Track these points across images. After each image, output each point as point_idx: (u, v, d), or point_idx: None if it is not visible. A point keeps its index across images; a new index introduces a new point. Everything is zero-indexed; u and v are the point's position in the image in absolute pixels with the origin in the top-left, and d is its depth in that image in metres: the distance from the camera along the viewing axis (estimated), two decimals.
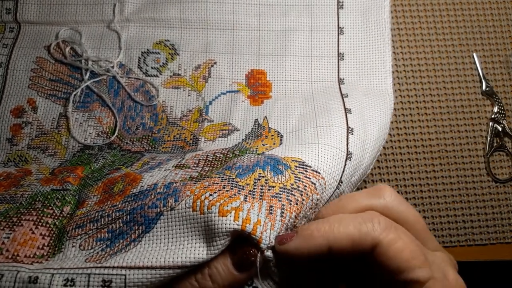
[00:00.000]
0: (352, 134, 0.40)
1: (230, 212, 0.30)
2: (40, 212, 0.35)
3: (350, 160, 0.38)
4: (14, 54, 0.49)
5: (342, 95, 0.47)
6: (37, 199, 0.36)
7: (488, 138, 0.51)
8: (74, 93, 0.48)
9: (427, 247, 0.28)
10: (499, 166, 0.51)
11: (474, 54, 0.54)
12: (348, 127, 0.41)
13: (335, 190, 0.36)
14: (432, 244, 0.29)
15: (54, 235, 0.34)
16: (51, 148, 0.47)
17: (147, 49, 0.50)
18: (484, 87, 0.53)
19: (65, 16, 0.51)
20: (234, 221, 0.29)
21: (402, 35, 0.54)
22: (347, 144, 0.39)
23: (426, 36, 0.54)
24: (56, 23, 0.51)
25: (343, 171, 0.37)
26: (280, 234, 0.30)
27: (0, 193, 0.38)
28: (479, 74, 0.53)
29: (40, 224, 0.34)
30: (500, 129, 0.52)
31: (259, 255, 0.29)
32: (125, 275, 0.28)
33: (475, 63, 0.54)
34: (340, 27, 0.51)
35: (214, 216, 0.30)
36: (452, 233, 0.49)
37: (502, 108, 0.52)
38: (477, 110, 0.52)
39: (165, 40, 0.51)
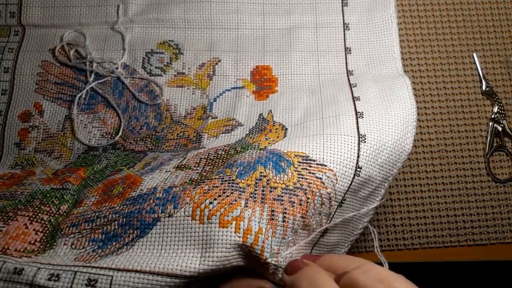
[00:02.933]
0: (362, 117, 0.39)
1: (231, 223, 0.29)
2: (37, 208, 0.35)
3: (364, 142, 0.36)
4: (20, 59, 0.49)
5: (350, 85, 0.46)
6: (36, 197, 0.36)
7: (488, 138, 0.51)
8: (79, 95, 0.48)
9: None
10: (499, 166, 0.51)
11: (474, 54, 0.54)
12: (357, 112, 0.40)
13: (354, 177, 0.35)
14: None
15: (47, 231, 0.34)
16: (57, 150, 0.47)
17: (151, 49, 0.50)
18: (484, 87, 0.53)
19: (69, 19, 0.51)
20: (235, 233, 0.29)
21: (402, 35, 0.54)
22: (358, 128, 0.38)
23: (426, 36, 0.54)
24: (60, 26, 0.51)
25: (358, 156, 0.35)
26: (294, 257, 0.30)
27: (1, 190, 0.38)
28: (479, 74, 0.53)
29: (35, 220, 0.34)
30: (500, 129, 0.52)
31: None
32: (112, 276, 0.28)
33: (475, 63, 0.54)
34: (346, 23, 0.51)
35: (215, 227, 0.29)
36: (452, 233, 0.49)
37: (502, 108, 0.52)
38: (477, 110, 0.52)
39: (169, 40, 0.51)
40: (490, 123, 0.52)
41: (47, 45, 0.50)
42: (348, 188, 0.35)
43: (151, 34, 0.51)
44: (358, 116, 0.39)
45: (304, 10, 0.52)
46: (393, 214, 0.49)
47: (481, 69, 0.53)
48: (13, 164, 0.46)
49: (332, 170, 0.34)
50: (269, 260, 0.29)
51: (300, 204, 0.31)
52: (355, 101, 0.42)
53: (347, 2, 0.52)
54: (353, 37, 0.51)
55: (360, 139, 0.36)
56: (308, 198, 0.32)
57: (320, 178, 0.33)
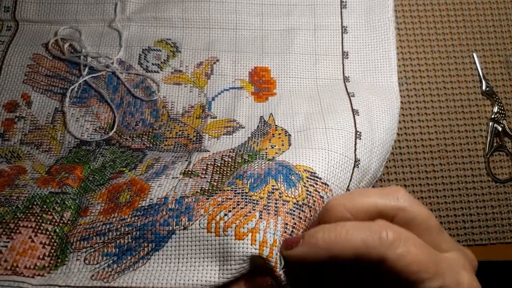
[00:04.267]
0: (360, 139, 0.40)
1: (247, 235, 0.29)
2: (39, 217, 0.33)
3: (357, 167, 0.38)
4: (10, 51, 0.48)
5: (348, 93, 0.46)
6: (35, 203, 0.35)
7: (488, 138, 0.51)
8: (71, 87, 0.47)
9: (441, 247, 0.27)
10: (499, 166, 0.51)
11: (474, 54, 0.54)
12: (356, 131, 0.41)
13: None
14: (447, 244, 0.28)
15: (55, 243, 0.32)
16: (46, 143, 0.45)
17: (148, 46, 0.50)
18: (484, 87, 0.53)
19: (65, 15, 0.50)
20: (251, 245, 0.29)
21: (402, 35, 0.54)
22: (355, 150, 0.39)
23: (426, 36, 0.54)
24: (55, 22, 0.50)
25: (351, 180, 0.37)
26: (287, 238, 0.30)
27: None
28: (479, 74, 0.53)
29: (39, 231, 0.33)
30: (500, 129, 0.52)
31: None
32: None
33: (475, 63, 0.54)
34: (344, 26, 0.51)
35: (231, 239, 0.29)
36: (452, 233, 0.49)
37: (502, 108, 0.52)
38: (477, 110, 0.52)
39: (167, 38, 0.50)
40: (490, 123, 0.52)
41: (40, 40, 0.49)
42: None
43: (149, 32, 0.51)
44: (357, 136, 0.40)
45: (303, 12, 0.51)
46: None
47: (481, 69, 0.53)
48: None
49: (331, 190, 0.35)
50: (281, 273, 0.29)
51: (305, 220, 0.32)
52: (355, 115, 0.43)
53: (345, 4, 0.51)
54: (350, 40, 0.50)
55: (356, 163, 0.38)
56: (311, 216, 0.32)
57: (322, 197, 0.34)
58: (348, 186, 0.37)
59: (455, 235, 0.49)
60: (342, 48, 0.50)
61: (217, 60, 0.50)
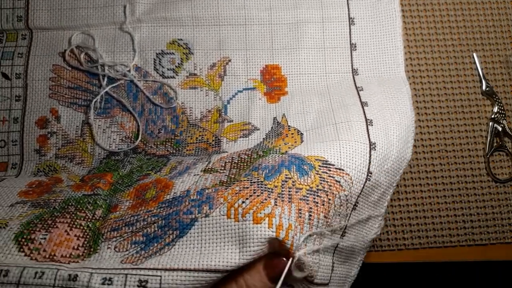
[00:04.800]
0: (372, 125, 0.42)
1: (264, 219, 0.32)
2: (73, 215, 0.36)
3: (375, 150, 0.39)
4: (31, 63, 0.49)
5: (357, 88, 0.48)
6: (70, 204, 0.38)
7: (488, 138, 0.51)
8: (95, 100, 0.48)
9: None
10: (499, 166, 0.51)
11: (474, 54, 0.54)
12: (366, 120, 0.42)
13: (366, 181, 0.38)
14: None
15: (88, 236, 0.35)
16: (78, 156, 0.48)
17: (162, 50, 0.51)
18: (484, 87, 0.53)
19: (77, 20, 0.51)
20: (268, 228, 0.31)
21: (402, 35, 0.54)
22: (368, 135, 0.41)
23: (426, 36, 0.54)
24: (68, 28, 0.51)
25: (370, 162, 0.38)
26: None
27: (34, 198, 0.39)
28: (479, 74, 0.53)
29: (74, 226, 0.35)
30: (500, 129, 0.52)
31: (289, 262, 0.31)
32: (160, 276, 0.30)
33: (475, 63, 0.54)
34: (351, 18, 0.51)
35: (249, 224, 0.31)
36: (452, 233, 0.49)
37: (502, 108, 0.52)
38: (477, 110, 0.52)
39: (178, 39, 0.51)
40: (490, 123, 0.52)
41: (56, 49, 0.50)
42: (361, 191, 0.38)
43: (160, 33, 0.51)
44: (368, 123, 0.42)
45: (311, 4, 0.52)
46: (393, 214, 0.49)
47: (481, 69, 0.53)
48: (35, 170, 0.47)
49: (348, 174, 0.37)
50: (296, 254, 0.31)
51: (323, 205, 0.34)
52: (364, 107, 0.44)
53: None
54: (358, 32, 0.51)
55: (371, 147, 0.40)
56: (329, 200, 0.34)
57: (339, 182, 0.36)
58: (369, 167, 0.38)
59: (455, 235, 0.49)
60: (350, 39, 0.51)
61: (229, 61, 0.51)
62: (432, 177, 0.50)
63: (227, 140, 0.48)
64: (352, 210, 0.38)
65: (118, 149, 0.48)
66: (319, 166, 0.37)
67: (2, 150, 0.47)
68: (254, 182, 0.35)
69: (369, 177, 0.38)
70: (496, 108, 0.52)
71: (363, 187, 0.38)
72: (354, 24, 0.51)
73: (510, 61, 0.54)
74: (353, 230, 0.39)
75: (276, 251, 0.32)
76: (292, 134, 0.45)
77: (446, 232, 0.49)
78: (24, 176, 0.46)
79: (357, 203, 0.38)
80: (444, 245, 0.49)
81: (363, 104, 0.45)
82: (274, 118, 0.49)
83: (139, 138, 0.48)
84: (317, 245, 0.33)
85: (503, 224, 0.49)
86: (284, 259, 0.31)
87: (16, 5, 0.51)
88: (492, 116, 0.52)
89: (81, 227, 0.36)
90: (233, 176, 0.39)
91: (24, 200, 0.39)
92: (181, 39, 0.51)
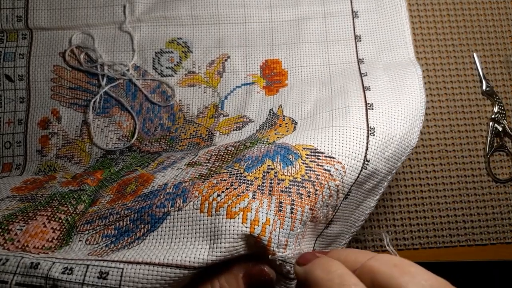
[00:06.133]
0: (372, 109, 0.39)
1: (238, 214, 0.30)
2: (55, 208, 0.37)
3: (373, 135, 0.36)
4: (32, 64, 0.50)
5: (361, 74, 0.46)
6: (55, 198, 0.38)
7: (488, 138, 0.51)
8: (93, 100, 0.49)
9: None
10: (499, 166, 0.51)
11: (474, 54, 0.54)
12: (366, 104, 0.40)
13: (362, 170, 0.35)
14: None
15: (64, 229, 0.35)
16: (77, 156, 0.48)
17: (161, 49, 0.51)
18: (484, 87, 0.53)
19: (76, 20, 0.51)
20: (242, 223, 0.29)
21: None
22: (367, 120, 0.38)
23: (426, 36, 0.54)
24: (67, 28, 0.51)
25: (367, 149, 0.36)
26: (304, 251, 0.30)
27: (24, 194, 0.39)
28: (479, 74, 0.53)
29: (53, 219, 0.36)
30: (500, 129, 0.52)
31: (273, 277, 0.29)
32: (122, 268, 0.29)
33: (475, 63, 0.54)
34: (355, 11, 0.51)
35: (222, 219, 0.30)
36: (452, 233, 0.49)
37: (502, 108, 0.52)
38: (477, 110, 0.52)
39: (178, 38, 0.51)
40: (490, 123, 0.52)
41: (56, 49, 0.50)
42: (355, 180, 0.35)
43: (159, 32, 0.51)
44: (368, 107, 0.39)
45: (312, 0, 0.52)
46: (393, 214, 0.49)
47: (481, 69, 0.53)
48: (36, 170, 0.47)
49: (340, 163, 0.34)
50: (276, 251, 0.29)
51: (309, 196, 0.32)
52: (365, 91, 0.42)
53: None
54: (362, 24, 0.51)
55: (369, 132, 0.37)
56: (316, 190, 0.32)
57: (329, 171, 0.33)
58: (365, 156, 0.35)
59: (455, 235, 0.49)
60: (354, 32, 0.50)
61: (228, 57, 0.50)
62: (432, 177, 0.50)
63: (220, 133, 0.48)
64: (343, 200, 0.35)
65: (114, 148, 0.48)
66: (307, 155, 0.34)
67: (7, 151, 0.48)
68: (233, 174, 0.33)
69: (365, 165, 0.35)
70: (496, 108, 0.52)
71: (358, 176, 0.35)
72: (358, 17, 0.51)
73: (510, 61, 0.54)
74: (340, 218, 0.36)
75: (255, 253, 0.30)
76: (286, 123, 0.44)
77: (446, 232, 0.49)
78: (24, 176, 0.46)
79: (350, 192, 0.35)
80: (444, 245, 0.49)
81: (365, 89, 0.42)
82: (271, 109, 0.47)
83: (135, 137, 0.48)
84: (300, 239, 0.31)
85: (503, 224, 0.49)
86: (266, 269, 0.29)
87: (15, 5, 0.51)
88: (493, 116, 0.52)
89: (60, 221, 0.36)
90: (214, 169, 0.37)
91: (15, 195, 0.39)
92: (180, 38, 0.51)
